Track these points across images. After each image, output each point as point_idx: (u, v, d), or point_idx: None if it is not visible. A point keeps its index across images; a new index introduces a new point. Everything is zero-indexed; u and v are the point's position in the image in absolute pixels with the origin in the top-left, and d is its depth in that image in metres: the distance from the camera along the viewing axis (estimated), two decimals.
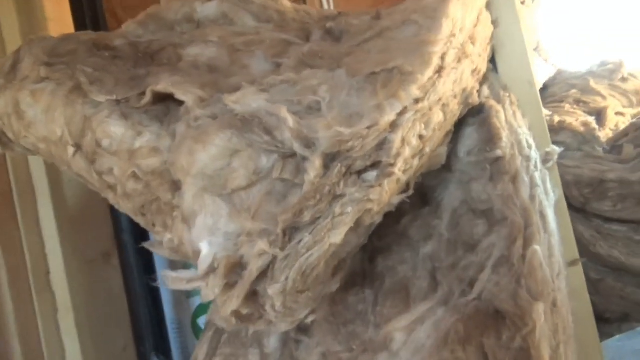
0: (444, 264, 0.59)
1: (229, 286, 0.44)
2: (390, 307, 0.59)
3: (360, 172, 0.45)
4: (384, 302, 0.60)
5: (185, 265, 1.21)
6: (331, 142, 0.43)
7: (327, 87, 0.49)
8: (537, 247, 0.51)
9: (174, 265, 1.21)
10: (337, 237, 0.45)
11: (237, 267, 0.44)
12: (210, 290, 0.44)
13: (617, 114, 1.04)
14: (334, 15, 0.75)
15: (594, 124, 0.90)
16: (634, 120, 0.98)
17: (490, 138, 0.62)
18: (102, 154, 0.52)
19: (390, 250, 0.64)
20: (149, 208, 0.52)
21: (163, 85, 0.50)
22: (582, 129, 0.87)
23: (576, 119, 0.90)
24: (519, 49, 0.73)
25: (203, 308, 1.14)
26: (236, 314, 0.46)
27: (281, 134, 0.43)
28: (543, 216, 0.56)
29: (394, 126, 0.47)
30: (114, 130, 0.51)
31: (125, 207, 0.55)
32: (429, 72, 0.51)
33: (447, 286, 0.56)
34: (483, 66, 0.68)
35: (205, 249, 0.45)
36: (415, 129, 0.49)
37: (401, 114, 0.47)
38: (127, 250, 1.14)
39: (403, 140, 0.47)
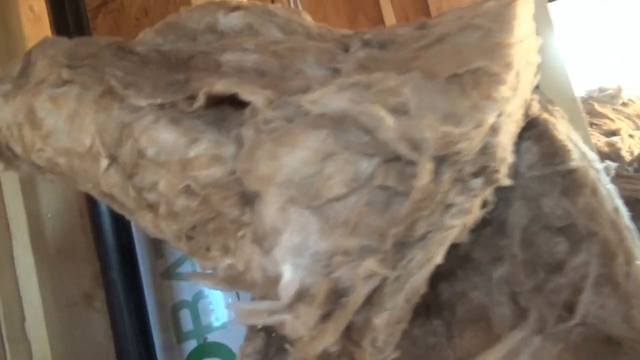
0: (525, 287, 0.53)
1: (323, 318, 0.36)
2: (470, 338, 0.52)
3: (464, 180, 0.39)
4: (461, 334, 0.53)
5: (175, 306, 1.08)
6: (440, 143, 0.37)
7: (410, 88, 0.44)
8: None
9: (166, 306, 1.09)
10: (441, 253, 0.38)
11: (333, 294, 0.36)
12: (301, 322, 0.36)
13: (629, 136, 1.05)
14: (363, 31, 0.71)
15: (619, 144, 0.90)
16: None
17: (555, 151, 0.58)
18: (145, 166, 0.44)
19: (454, 275, 0.58)
20: (203, 229, 0.43)
21: (222, 85, 0.43)
22: (607, 149, 0.86)
23: (597, 139, 0.90)
24: (559, 65, 0.71)
25: (195, 354, 1.03)
26: (323, 354, 0.37)
27: (383, 134, 0.36)
28: (629, 229, 0.52)
29: (494, 129, 0.42)
30: (164, 137, 0.43)
31: (167, 230, 0.46)
32: (512, 74, 0.47)
33: (537, 312, 0.50)
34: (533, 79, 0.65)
35: (288, 273, 0.37)
36: (509, 133, 0.44)
37: (499, 116, 0.42)
38: (115, 290, 1.02)
39: (503, 145, 0.42)
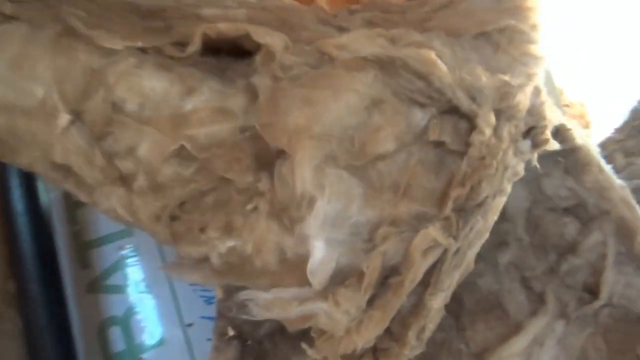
0: (537, 271, 0.49)
1: (369, 304, 0.29)
2: (485, 330, 0.47)
3: (516, 140, 0.35)
4: (473, 326, 0.48)
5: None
6: (498, 93, 0.32)
7: (440, 43, 0.39)
8: None
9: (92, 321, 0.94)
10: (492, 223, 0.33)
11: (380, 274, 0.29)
12: (342, 311, 0.29)
13: None
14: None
15: None
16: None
17: (555, 129, 0.56)
18: (122, 124, 0.34)
19: None
20: (197, 204, 0.35)
21: (228, 26, 0.35)
22: None
23: None
24: None
25: None
26: (369, 349, 0.30)
27: (438, 80, 0.31)
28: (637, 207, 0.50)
29: (537, 89, 0.38)
30: (150, 85, 0.33)
31: (143, 210, 0.36)
32: (540, 35, 0.44)
33: (554, 296, 0.46)
34: None
35: (320, 251, 0.30)
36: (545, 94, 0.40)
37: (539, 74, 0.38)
38: (33, 307, 0.86)
39: (548, 106, 0.38)
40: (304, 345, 0.33)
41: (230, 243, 0.33)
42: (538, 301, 0.47)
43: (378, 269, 0.28)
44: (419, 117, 0.30)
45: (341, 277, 0.30)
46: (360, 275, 0.29)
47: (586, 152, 0.55)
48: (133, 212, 0.37)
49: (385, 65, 0.30)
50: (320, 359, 0.33)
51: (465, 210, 0.30)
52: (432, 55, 0.31)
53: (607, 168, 0.54)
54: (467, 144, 0.31)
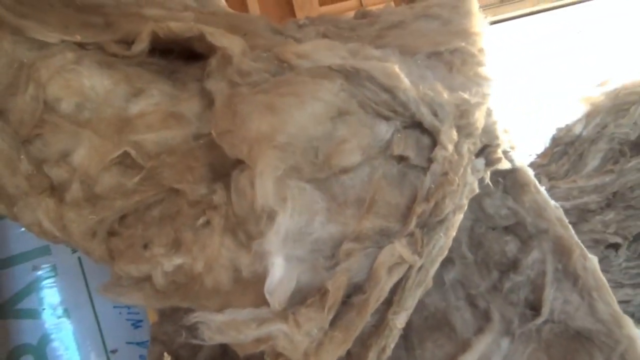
0: (481, 288, 0.50)
1: (331, 324, 0.27)
2: (434, 348, 0.47)
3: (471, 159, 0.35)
4: (422, 344, 0.47)
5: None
6: (459, 110, 0.32)
7: (396, 59, 0.38)
8: (594, 257, 0.47)
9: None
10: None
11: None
12: (303, 332, 0.26)
13: None
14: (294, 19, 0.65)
15: None
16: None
17: None
18: (54, 126, 0.30)
19: None
20: (141, 218, 0.31)
21: (181, 26, 0.32)
22: None
23: None
24: None
25: None
26: None
27: (403, 94, 0.30)
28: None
29: (489, 110, 0.38)
30: (92, 83, 0.30)
31: (76, 224, 0.32)
32: (487, 58, 0.45)
33: (499, 313, 0.47)
34: None
35: (279, 269, 0.28)
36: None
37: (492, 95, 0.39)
38: None
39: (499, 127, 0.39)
40: None
41: (177, 260, 0.30)
42: (484, 318, 0.48)
43: (343, 287, 0.27)
44: (384, 130, 0.29)
45: (301, 297, 0.28)
46: (323, 294, 0.27)
47: (524, 172, 0.57)
48: (63, 226, 0.33)
49: (350, 76, 0.29)
50: None
51: (428, 227, 0.29)
52: (396, 69, 0.30)
53: (543, 189, 0.57)
54: (429, 160, 0.31)
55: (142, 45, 0.32)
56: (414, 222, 0.28)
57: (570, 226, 0.51)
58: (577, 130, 1.01)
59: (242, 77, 0.31)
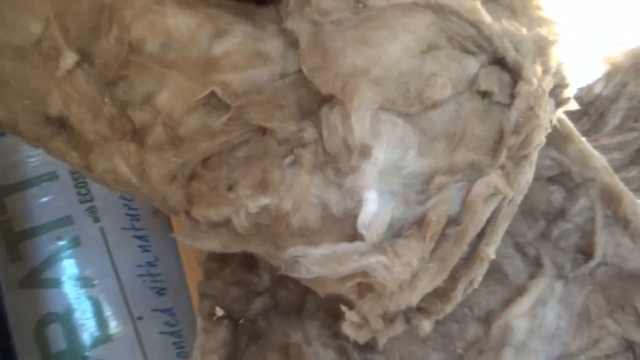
0: (529, 237, 0.51)
1: (430, 255, 0.28)
2: (487, 295, 0.48)
3: None
4: (476, 291, 0.49)
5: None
6: (538, 46, 0.32)
7: None
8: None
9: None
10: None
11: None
12: (402, 263, 0.27)
13: None
14: None
15: None
16: None
17: None
18: (140, 67, 0.30)
19: None
20: (226, 159, 0.31)
21: None
22: None
23: None
24: None
25: None
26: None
27: (489, 29, 0.30)
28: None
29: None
30: (175, 23, 0.30)
31: (157, 169, 0.32)
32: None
33: (549, 258, 0.48)
34: None
35: (373, 203, 0.28)
36: None
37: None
38: None
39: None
40: (342, 308, 0.31)
41: (264, 201, 0.30)
42: (535, 264, 0.49)
43: (444, 217, 0.27)
44: (472, 64, 0.29)
45: (394, 231, 0.28)
46: (421, 225, 0.28)
47: (565, 123, 0.57)
48: (142, 171, 0.33)
49: (437, 11, 0.29)
50: (357, 320, 0.31)
51: (515, 160, 0.30)
52: (478, 4, 0.30)
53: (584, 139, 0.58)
54: (512, 96, 0.31)
55: None
56: (504, 154, 0.29)
57: (615, 174, 0.52)
58: (597, 89, 1.02)
59: (323, 16, 0.31)
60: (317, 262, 0.28)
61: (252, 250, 0.34)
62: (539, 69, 0.31)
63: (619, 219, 0.49)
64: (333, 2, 0.32)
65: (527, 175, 0.30)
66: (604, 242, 0.47)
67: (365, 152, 0.28)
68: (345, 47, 0.28)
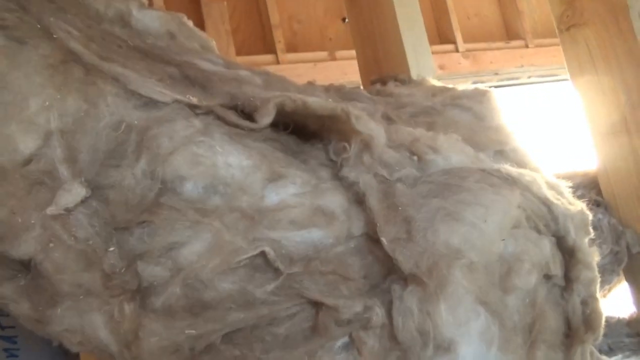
0: None
1: None
2: None
3: None
4: None
5: None
6: (583, 222, 0.31)
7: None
8: None
9: None
10: None
11: None
12: None
13: None
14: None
15: None
16: None
17: None
18: (172, 211, 0.23)
19: None
20: (260, 334, 0.24)
21: (319, 101, 0.27)
22: None
23: None
24: None
25: None
26: None
27: (557, 208, 0.28)
28: None
29: None
30: (227, 161, 0.23)
31: (157, 339, 0.24)
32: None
33: None
34: None
35: None
36: None
37: None
38: None
39: None
40: None
41: None
42: None
43: None
44: (547, 246, 0.27)
45: None
46: None
47: None
48: (132, 339, 0.24)
49: (523, 188, 0.27)
50: None
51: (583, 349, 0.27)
52: (539, 177, 0.29)
53: None
54: (567, 278, 0.29)
55: (269, 118, 0.26)
56: (579, 353, 0.26)
57: None
58: None
59: (387, 170, 0.27)
60: None
61: None
62: (595, 251, 0.30)
63: None
64: (394, 153, 0.28)
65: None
66: None
67: (446, 347, 0.23)
68: (435, 220, 0.24)
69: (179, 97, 0.25)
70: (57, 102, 0.22)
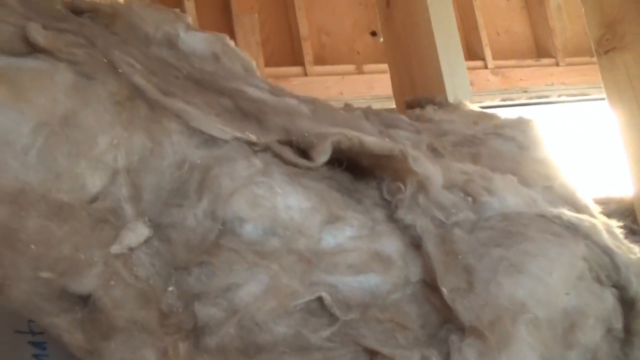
0: None
1: None
2: None
3: None
4: None
5: None
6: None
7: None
8: None
9: None
10: None
11: None
12: None
13: None
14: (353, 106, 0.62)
15: None
16: None
17: None
18: (231, 253, 0.22)
19: None
20: None
21: (377, 141, 0.27)
22: None
23: None
24: None
25: None
26: None
27: (619, 257, 0.28)
28: None
29: None
30: (287, 203, 0.23)
31: None
32: None
33: None
34: None
35: None
36: None
37: None
38: None
39: None
40: None
41: None
42: None
43: None
44: (609, 299, 0.26)
45: None
46: None
47: None
48: None
49: (586, 238, 0.26)
50: None
51: None
52: (600, 224, 0.28)
53: None
54: (628, 332, 0.28)
55: (325, 156, 0.26)
56: None
57: None
58: None
59: (443, 212, 0.26)
60: None
61: None
62: None
63: None
64: (450, 195, 0.28)
65: None
66: None
67: None
68: (497, 272, 0.23)
69: (238, 134, 0.25)
70: (125, 140, 0.22)
